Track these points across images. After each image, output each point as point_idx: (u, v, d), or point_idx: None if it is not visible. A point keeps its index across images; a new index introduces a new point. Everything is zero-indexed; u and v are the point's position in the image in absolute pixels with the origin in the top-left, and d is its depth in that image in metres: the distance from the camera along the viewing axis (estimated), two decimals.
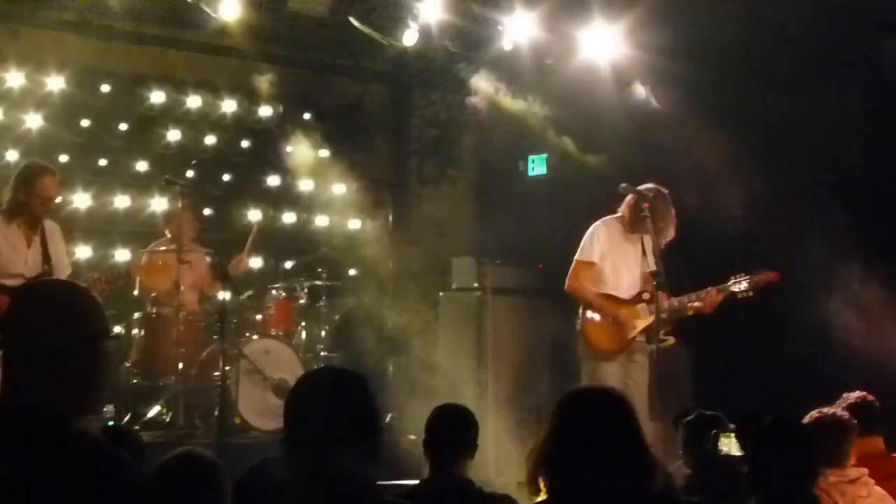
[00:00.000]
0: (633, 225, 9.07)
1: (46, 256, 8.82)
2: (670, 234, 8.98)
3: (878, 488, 5.72)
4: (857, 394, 6.46)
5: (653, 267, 8.81)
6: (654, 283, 8.65)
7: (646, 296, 9.07)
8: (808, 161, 10.58)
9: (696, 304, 9.07)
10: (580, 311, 9.20)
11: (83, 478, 3.14)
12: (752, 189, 10.91)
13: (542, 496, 3.76)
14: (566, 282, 9.22)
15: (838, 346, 10.34)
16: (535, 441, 3.80)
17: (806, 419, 5.69)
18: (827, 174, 10.56)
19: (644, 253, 9.03)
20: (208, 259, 10.54)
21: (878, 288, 10.10)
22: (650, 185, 8.96)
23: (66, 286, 3.67)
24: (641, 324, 9.03)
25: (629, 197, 9.04)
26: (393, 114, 13.23)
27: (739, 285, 9.11)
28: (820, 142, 10.47)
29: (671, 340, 9.68)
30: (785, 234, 10.50)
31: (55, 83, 11.40)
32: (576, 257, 9.20)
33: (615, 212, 9.26)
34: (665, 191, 9.03)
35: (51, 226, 9.01)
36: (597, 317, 9.11)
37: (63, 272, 8.99)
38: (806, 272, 9.94)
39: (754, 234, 10.67)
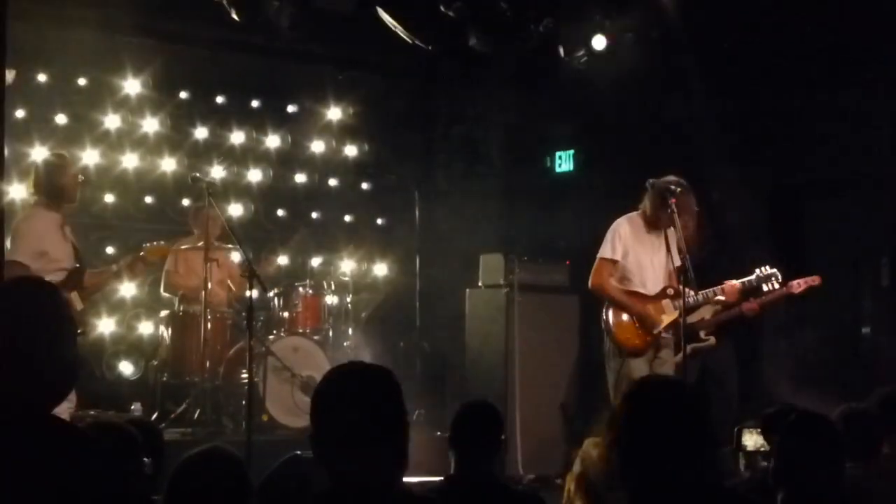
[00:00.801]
0: (656, 220, 9.03)
1: (76, 249, 8.82)
2: (692, 230, 8.92)
3: None
4: (888, 389, 6.41)
5: (677, 262, 8.77)
6: (681, 278, 8.61)
7: (670, 291, 8.99)
8: (835, 157, 10.55)
9: (720, 297, 9.05)
10: (605, 308, 9.16)
11: (56, 463, 3.20)
12: (779, 184, 10.91)
13: None
14: (590, 280, 9.19)
15: (867, 344, 10.34)
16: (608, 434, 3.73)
17: (835, 414, 5.66)
18: (855, 170, 10.52)
19: (668, 248, 8.98)
20: (237, 256, 10.55)
21: None
22: (675, 179, 8.91)
23: (38, 283, 3.71)
24: (667, 319, 8.95)
25: (652, 192, 9.01)
26: (420, 110, 13.22)
27: (769, 282, 9.08)
28: (847, 137, 10.43)
29: (712, 341, 9.67)
30: (811, 230, 10.51)
31: (80, 81, 11.49)
32: (598, 255, 9.17)
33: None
34: (689, 187, 8.99)
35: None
36: (622, 314, 9.08)
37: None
38: (835, 270, 9.93)
39: (779, 229, 10.67)
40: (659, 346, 9.05)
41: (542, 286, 11.27)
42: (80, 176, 9.02)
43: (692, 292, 8.76)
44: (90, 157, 11.44)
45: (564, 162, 12.81)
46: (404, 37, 10.77)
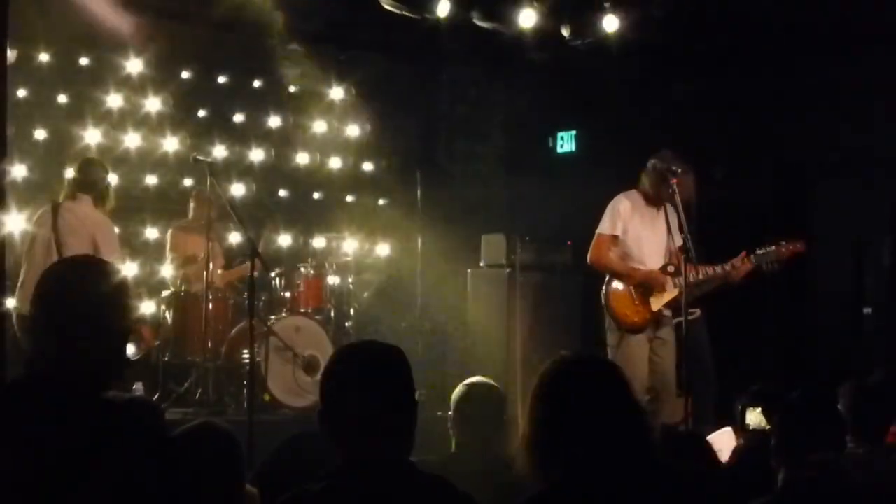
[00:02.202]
0: (657, 197, 9.02)
1: None
2: (692, 210, 8.89)
3: None
4: (892, 368, 6.39)
5: (678, 241, 8.78)
6: (683, 256, 8.60)
7: (670, 268, 8.96)
8: (837, 136, 10.54)
9: (722, 272, 8.98)
10: (605, 283, 9.15)
11: (113, 436, 3.22)
12: (781, 162, 10.90)
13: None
14: (588, 255, 9.19)
15: (869, 324, 10.34)
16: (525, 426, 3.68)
17: (838, 393, 5.66)
18: (857, 149, 10.51)
19: (668, 226, 8.98)
20: (238, 236, 10.57)
21: None
22: (675, 158, 8.89)
23: (98, 264, 3.70)
24: (667, 296, 8.94)
25: (652, 172, 9.00)
26: (423, 90, 13.20)
27: (766, 257, 9.05)
28: (850, 116, 10.42)
29: (698, 313, 9.65)
30: (811, 206, 10.50)
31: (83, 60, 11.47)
32: (597, 230, 9.16)
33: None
34: (690, 167, 8.97)
35: None
36: (620, 287, 9.03)
37: None
38: (834, 245, 9.92)
39: (780, 206, 10.67)
40: (659, 324, 9.03)
41: (544, 266, 11.28)
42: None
43: (693, 270, 8.76)
44: (92, 136, 11.42)
45: (566, 142, 12.81)
46: (407, 13, 10.71)
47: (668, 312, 9.04)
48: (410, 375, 3.56)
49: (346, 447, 3.45)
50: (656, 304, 8.97)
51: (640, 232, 9.07)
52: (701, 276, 8.93)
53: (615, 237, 9.08)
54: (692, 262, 8.59)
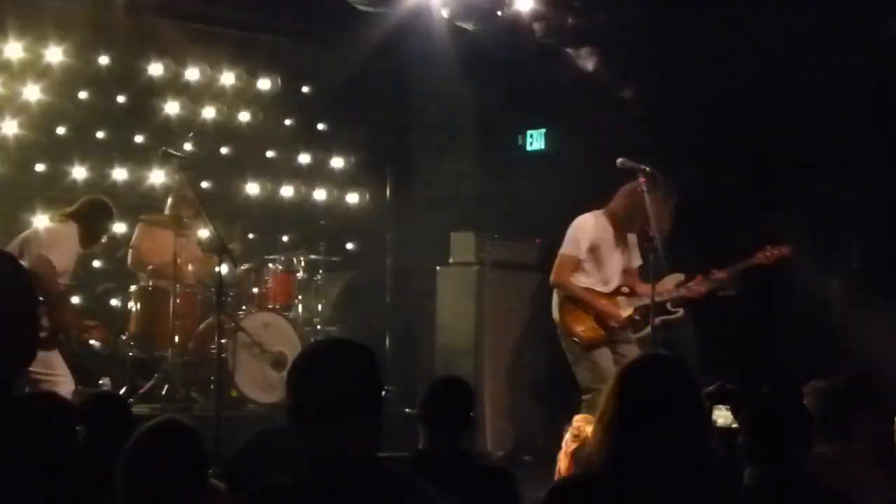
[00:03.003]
0: (628, 223, 9.04)
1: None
2: (666, 224, 8.86)
3: None
4: (859, 368, 6.42)
5: (636, 263, 8.87)
6: (638, 276, 8.72)
7: (625, 290, 9.06)
8: (808, 137, 10.57)
9: (678, 296, 9.04)
10: (557, 305, 9.15)
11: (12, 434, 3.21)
12: (752, 168, 10.93)
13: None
14: (552, 275, 9.19)
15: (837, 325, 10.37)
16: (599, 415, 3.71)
17: (804, 391, 5.69)
18: (830, 151, 10.54)
19: (627, 248, 9.05)
20: (207, 232, 10.53)
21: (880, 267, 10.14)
22: (648, 170, 8.83)
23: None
24: (624, 314, 9.00)
25: (628, 192, 8.99)
26: (393, 87, 13.19)
27: (726, 283, 9.10)
28: (822, 117, 10.45)
29: (681, 313, 9.67)
30: (788, 211, 10.52)
31: (53, 54, 11.39)
32: (561, 251, 9.15)
33: (614, 187, 9.20)
34: (664, 179, 8.93)
35: None
36: (577, 307, 9.05)
37: None
38: (806, 250, 9.95)
39: (756, 212, 10.69)
40: (617, 340, 9.03)
41: (513, 264, 11.30)
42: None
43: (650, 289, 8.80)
44: (60, 130, 11.39)
45: (536, 140, 12.81)
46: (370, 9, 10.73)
47: (626, 330, 9.05)
48: (377, 372, 3.56)
49: (313, 443, 3.45)
50: (612, 322, 9.00)
51: (603, 254, 9.09)
52: (657, 299, 8.94)
53: (579, 260, 9.09)
54: (663, 271, 8.64)
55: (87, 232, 9.17)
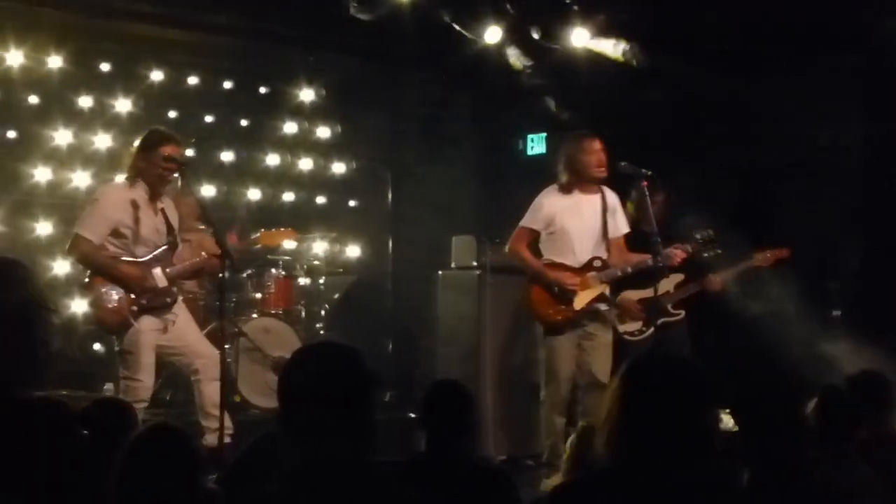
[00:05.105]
0: (578, 178, 8.96)
1: (169, 227, 8.78)
2: (652, 223, 8.82)
3: None
4: (860, 372, 6.41)
5: (623, 228, 8.88)
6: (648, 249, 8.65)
7: (597, 263, 8.93)
8: (805, 140, 10.59)
9: (653, 262, 8.81)
10: (527, 281, 9.12)
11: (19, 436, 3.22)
12: (750, 167, 10.95)
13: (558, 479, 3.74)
14: (507, 245, 9.19)
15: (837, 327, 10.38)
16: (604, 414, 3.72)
17: (804, 396, 5.70)
18: (824, 153, 10.56)
19: (605, 211, 8.96)
20: (210, 237, 10.53)
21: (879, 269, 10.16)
22: (649, 174, 8.84)
23: (9, 268, 3.67)
24: (591, 294, 8.87)
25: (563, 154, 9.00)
26: (391, 92, 13.22)
27: (709, 248, 9.04)
28: (818, 120, 10.47)
29: (681, 315, 9.69)
30: (780, 213, 10.54)
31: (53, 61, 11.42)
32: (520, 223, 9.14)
33: (614, 191, 9.21)
34: (653, 176, 8.93)
35: (165, 199, 8.87)
36: (540, 286, 9.01)
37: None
38: (804, 252, 9.97)
39: (746, 209, 10.71)
40: (587, 320, 8.91)
41: (514, 268, 11.28)
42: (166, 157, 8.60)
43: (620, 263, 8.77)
44: (63, 137, 11.42)
45: (537, 144, 12.83)
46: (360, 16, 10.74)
47: (603, 307, 8.97)
48: (368, 375, 3.56)
49: (302, 448, 3.46)
50: (579, 301, 8.88)
51: (564, 224, 8.99)
52: (630, 269, 8.88)
53: (533, 231, 9.03)
54: (660, 254, 8.59)
55: (135, 170, 8.70)
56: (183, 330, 8.69)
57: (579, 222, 8.96)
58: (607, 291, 8.94)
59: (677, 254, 8.90)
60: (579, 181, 8.93)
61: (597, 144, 8.89)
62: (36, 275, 3.67)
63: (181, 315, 8.70)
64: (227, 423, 8.34)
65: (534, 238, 9.05)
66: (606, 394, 3.71)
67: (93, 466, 3.61)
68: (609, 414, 3.62)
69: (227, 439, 8.22)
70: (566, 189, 8.97)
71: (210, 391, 8.51)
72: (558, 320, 8.89)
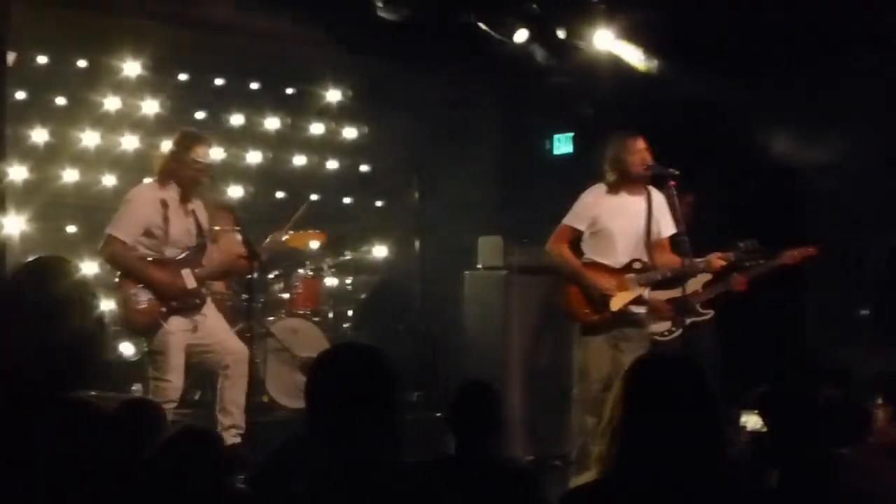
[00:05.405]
0: (623, 179, 8.91)
1: (200, 228, 8.80)
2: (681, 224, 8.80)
3: None
4: (886, 369, 6.39)
5: (668, 230, 8.80)
6: (675, 249, 8.62)
7: (636, 265, 8.89)
8: (836, 139, 10.56)
9: (693, 266, 8.81)
10: (564, 280, 9.09)
11: (69, 438, 3.22)
12: (780, 166, 10.92)
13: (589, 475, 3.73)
14: (548, 243, 9.15)
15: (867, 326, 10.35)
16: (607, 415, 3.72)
17: (829, 393, 5.69)
18: (854, 153, 10.52)
19: (650, 213, 8.92)
20: (238, 238, 10.55)
21: None
22: (677, 174, 8.83)
23: (55, 265, 3.67)
24: (629, 296, 8.84)
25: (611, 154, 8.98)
26: (419, 93, 13.22)
27: (752, 258, 9.00)
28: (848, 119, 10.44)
29: (710, 314, 9.66)
30: (810, 213, 10.51)
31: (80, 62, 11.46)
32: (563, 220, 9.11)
33: None
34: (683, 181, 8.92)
35: (196, 201, 8.89)
36: (576, 284, 8.96)
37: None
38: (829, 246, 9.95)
39: (776, 207, 10.68)
40: (624, 322, 8.87)
41: (541, 269, 11.28)
42: (198, 159, 8.68)
43: (667, 266, 8.75)
44: (90, 138, 11.46)
45: (563, 144, 12.81)
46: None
47: (640, 310, 8.99)
48: (392, 375, 3.57)
49: (330, 449, 3.46)
50: (616, 304, 8.84)
51: (608, 224, 8.96)
52: (670, 274, 8.85)
53: (576, 230, 9.02)
54: (687, 254, 8.56)
55: (167, 171, 8.76)
56: (213, 327, 8.72)
57: (623, 223, 8.92)
58: (645, 294, 8.90)
59: (718, 262, 8.88)
60: (625, 181, 8.91)
61: (640, 144, 8.87)
62: (83, 274, 3.65)
63: (210, 313, 8.73)
64: (241, 421, 8.39)
65: (575, 237, 9.03)
66: (609, 397, 3.71)
67: (122, 467, 3.62)
68: (611, 418, 3.62)
69: (238, 439, 8.28)
70: (613, 189, 8.95)
71: (236, 390, 8.54)
72: (594, 320, 8.85)
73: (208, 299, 8.77)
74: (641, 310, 8.93)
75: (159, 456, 4.07)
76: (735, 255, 8.90)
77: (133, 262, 8.40)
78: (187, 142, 8.65)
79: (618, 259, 8.90)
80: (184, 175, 8.59)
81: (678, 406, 3.55)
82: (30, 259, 3.69)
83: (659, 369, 3.69)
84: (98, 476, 3.28)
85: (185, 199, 8.66)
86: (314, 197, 13.04)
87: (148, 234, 8.48)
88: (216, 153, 11.76)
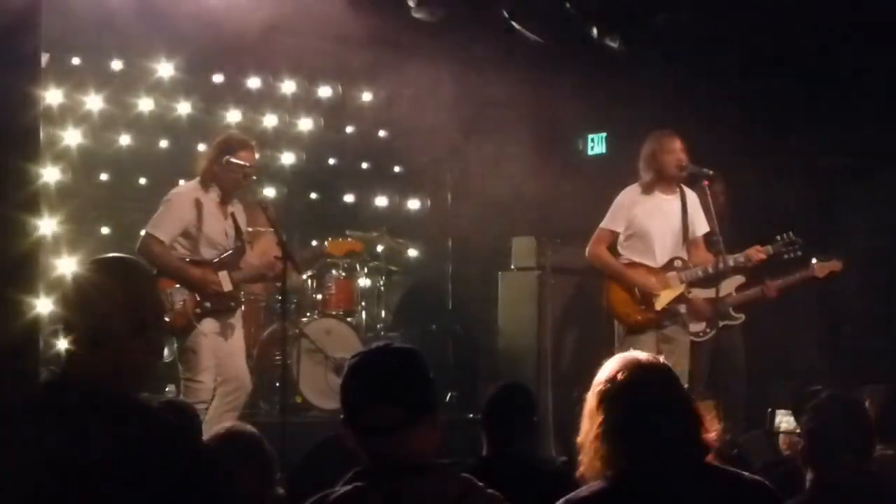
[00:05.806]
0: (659, 177, 8.93)
1: (238, 231, 8.77)
2: (715, 223, 8.80)
3: None
4: None
5: (703, 227, 8.76)
6: (710, 248, 8.62)
7: (678, 263, 8.90)
8: (871, 141, 10.50)
9: (734, 263, 8.85)
10: (606, 280, 9.09)
11: (141, 444, 3.21)
12: (815, 168, 10.86)
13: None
14: (587, 248, 9.15)
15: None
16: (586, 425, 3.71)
17: (867, 395, 5.66)
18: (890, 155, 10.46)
19: (685, 214, 8.91)
20: (274, 239, 10.57)
21: None
22: (711, 174, 8.83)
23: (122, 265, 3.64)
24: (666, 296, 8.85)
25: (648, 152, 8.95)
26: (453, 93, 13.20)
27: (791, 251, 8.98)
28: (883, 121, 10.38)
29: (742, 317, 9.63)
30: (846, 215, 10.46)
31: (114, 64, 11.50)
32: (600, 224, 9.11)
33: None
34: (720, 175, 8.91)
35: (235, 203, 8.88)
36: (620, 286, 8.96)
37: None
38: (870, 255, 9.89)
39: (810, 212, 10.63)
40: (666, 322, 8.90)
41: (575, 269, 11.26)
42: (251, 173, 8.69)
43: (703, 264, 8.74)
44: (123, 140, 11.51)
45: (597, 145, 12.79)
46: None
47: (682, 309, 8.95)
48: (426, 376, 3.54)
49: (366, 450, 3.46)
50: (660, 302, 8.86)
51: (644, 225, 8.98)
52: (711, 270, 8.84)
53: (614, 232, 9.02)
54: (721, 253, 8.56)
55: (210, 174, 8.73)
56: (234, 346, 8.67)
57: (660, 223, 8.95)
58: (688, 293, 8.90)
59: (758, 255, 8.87)
60: (659, 180, 8.92)
61: (677, 143, 8.89)
62: (143, 271, 3.64)
63: (237, 333, 8.70)
64: None
65: (614, 239, 9.04)
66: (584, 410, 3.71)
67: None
68: (588, 432, 3.67)
69: None
70: (647, 189, 8.97)
71: (224, 419, 8.33)
72: (638, 320, 8.88)
73: (238, 312, 8.76)
74: (683, 308, 8.92)
75: (207, 453, 4.07)
76: (774, 248, 8.91)
77: (171, 261, 8.41)
78: (232, 145, 8.64)
79: (656, 258, 8.92)
80: (226, 178, 8.59)
81: (654, 407, 3.58)
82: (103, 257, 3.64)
83: (628, 371, 3.69)
84: (160, 477, 3.28)
85: (224, 201, 8.66)
86: (347, 197, 13.10)
87: (185, 234, 8.49)
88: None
